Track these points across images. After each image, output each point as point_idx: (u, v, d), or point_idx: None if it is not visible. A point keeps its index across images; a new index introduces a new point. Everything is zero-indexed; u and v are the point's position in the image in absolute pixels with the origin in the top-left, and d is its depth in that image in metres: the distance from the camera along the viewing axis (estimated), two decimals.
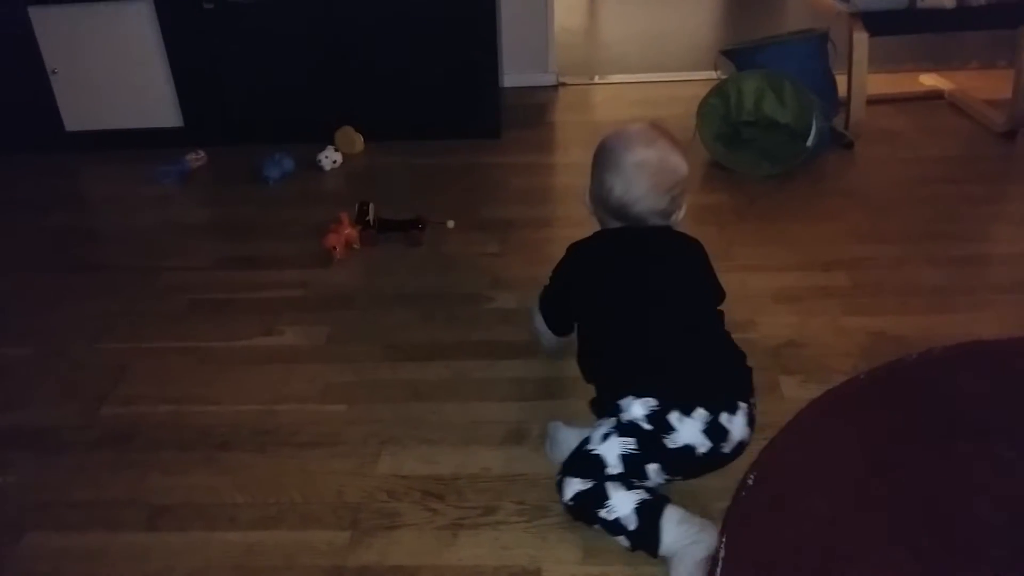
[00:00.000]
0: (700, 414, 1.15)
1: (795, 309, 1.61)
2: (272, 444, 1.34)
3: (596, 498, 1.12)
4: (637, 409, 1.16)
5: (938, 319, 1.55)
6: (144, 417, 1.42)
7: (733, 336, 1.41)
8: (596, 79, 2.92)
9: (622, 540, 1.11)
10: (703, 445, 1.15)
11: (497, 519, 1.18)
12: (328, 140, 2.38)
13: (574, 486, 1.13)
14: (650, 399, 1.15)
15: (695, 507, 1.17)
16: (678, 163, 1.31)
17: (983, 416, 1.30)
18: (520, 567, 1.10)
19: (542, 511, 1.18)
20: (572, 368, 1.46)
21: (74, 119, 2.50)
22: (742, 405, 1.18)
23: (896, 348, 1.47)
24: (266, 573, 1.11)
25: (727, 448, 1.17)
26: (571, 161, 2.08)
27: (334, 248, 1.85)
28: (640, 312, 1.25)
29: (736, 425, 1.17)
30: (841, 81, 2.31)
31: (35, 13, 2.35)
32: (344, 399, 1.43)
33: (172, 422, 1.40)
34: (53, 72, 2.43)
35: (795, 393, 1.38)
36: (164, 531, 1.19)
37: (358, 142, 2.42)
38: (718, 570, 1.06)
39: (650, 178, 1.29)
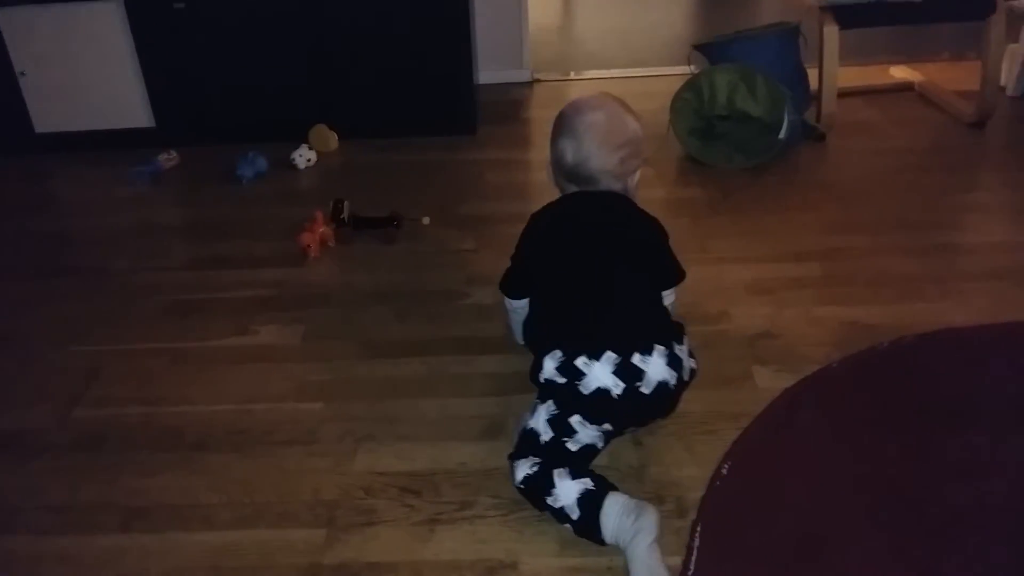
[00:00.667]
0: (608, 357, 1.16)
1: (769, 300, 1.62)
2: (247, 443, 1.33)
3: (543, 484, 1.13)
4: (548, 364, 1.20)
5: (910, 307, 1.57)
6: (117, 419, 1.40)
7: (706, 327, 1.43)
8: (571, 75, 2.93)
9: (568, 528, 1.12)
10: (617, 386, 1.16)
11: (474, 513, 1.18)
12: (302, 139, 2.37)
13: (522, 469, 1.16)
14: (557, 351, 1.19)
15: (670, 497, 1.18)
16: (628, 122, 1.37)
17: (955, 402, 1.32)
18: (497, 561, 1.11)
19: (519, 505, 1.18)
20: None
21: (44, 121, 2.46)
22: (659, 347, 1.18)
23: (869, 337, 1.49)
24: (243, 573, 1.11)
25: (646, 389, 1.17)
26: (546, 157, 2.08)
27: (309, 246, 1.84)
28: (566, 275, 1.28)
29: (653, 365, 1.17)
30: (812, 74, 2.32)
31: (2, 14, 2.32)
32: (320, 397, 1.42)
33: (146, 423, 1.39)
34: (21, 74, 2.39)
35: (769, 383, 1.39)
36: (139, 533, 1.17)
37: (332, 140, 2.40)
38: (693, 559, 1.07)
39: (599, 136, 1.34)
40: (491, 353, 1.51)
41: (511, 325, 1.48)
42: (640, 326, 1.22)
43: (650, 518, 1.08)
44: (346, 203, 1.94)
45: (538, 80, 2.90)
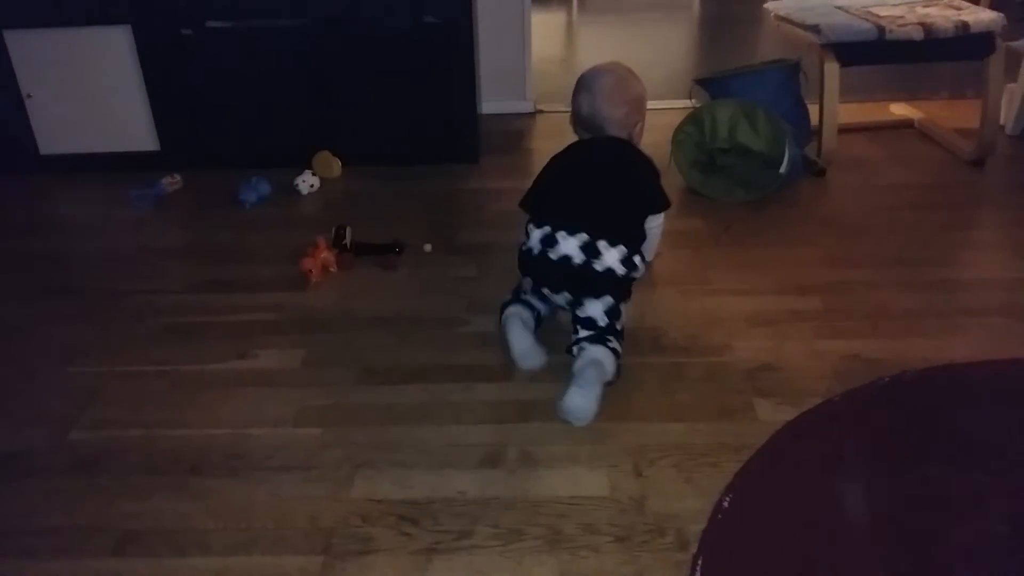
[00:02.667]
0: (545, 228, 1.52)
1: (770, 332, 1.62)
2: (244, 468, 1.32)
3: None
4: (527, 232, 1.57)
5: (910, 342, 1.57)
6: (114, 441, 1.39)
7: (708, 359, 1.44)
8: None
9: None
10: (536, 247, 1.52)
11: (472, 543, 1.16)
12: (306, 164, 2.38)
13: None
14: (532, 223, 1.56)
15: (671, 530, 1.17)
16: (633, 84, 1.71)
17: (957, 439, 1.31)
18: None
19: (517, 535, 1.17)
20: (549, 390, 1.46)
21: (49, 142, 2.48)
22: (582, 234, 1.48)
23: (869, 371, 1.48)
24: None
25: (553, 255, 1.49)
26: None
27: (310, 271, 1.84)
28: (563, 181, 1.61)
29: (567, 242, 1.49)
30: (813, 110, 2.35)
31: (11, 37, 2.34)
32: (318, 423, 1.41)
33: (142, 446, 1.38)
34: (28, 96, 2.41)
35: (770, 416, 1.39)
36: (133, 557, 1.16)
37: (336, 166, 2.42)
38: None
39: (608, 89, 1.67)
40: (491, 381, 1.51)
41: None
42: (582, 220, 1.50)
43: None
44: (348, 229, 1.95)
45: (540, 111, 2.93)
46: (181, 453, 1.36)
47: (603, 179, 1.59)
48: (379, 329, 1.68)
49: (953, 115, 2.63)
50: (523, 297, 1.62)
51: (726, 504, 1.19)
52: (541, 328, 1.61)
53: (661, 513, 1.20)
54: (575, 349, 1.48)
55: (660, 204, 1.65)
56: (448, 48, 2.36)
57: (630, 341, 1.59)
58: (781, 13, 2.41)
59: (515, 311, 1.58)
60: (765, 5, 2.54)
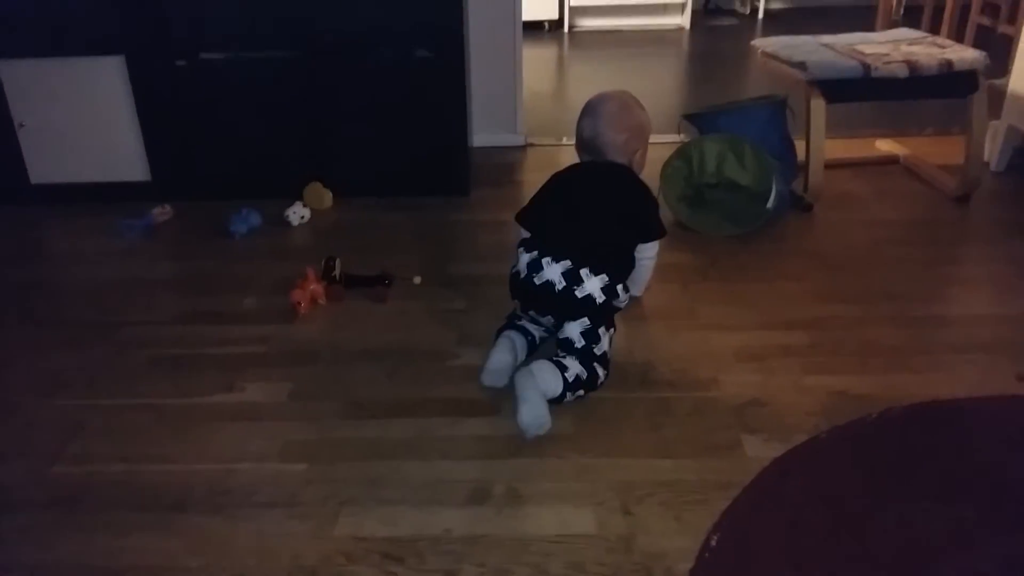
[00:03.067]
0: (533, 253, 1.58)
1: (757, 368, 1.62)
2: (228, 505, 1.30)
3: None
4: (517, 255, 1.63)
5: (897, 378, 1.58)
6: (97, 476, 1.38)
7: (696, 394, 1.45)
8: (564, 140, 2.98)
9: None
10: (523, 271, 1.58)
11: None
12: (297, 196, 2.39)
13: None
14: (522, 248, 1.62)
15: (659, 569, 1.16)
16: (635, 113, 1.78)
17: (943, 475, 1.31)
18: None
19: (504, 574, 1.16)
20: None
21: (40, 172, 2.48)
22: (566, 261, 1.54)
23: (857, 407, 1.49)
24: None
25: (537, 280, 1.56)
26: None
27: (299, 303, 1.84)
28: (556, 203, 1.66)
29: (551, 268, 1.55)
30: (800, 146, 2.37)
31: (4, 67, 2.35)
32: (304, 458, 1.40)
33: (125, 481, 1.37)
34: (21, 126, 2.42)
35: (758, 452, 1.38)
36: None
37: (327, 198, 2.42)
38: None
39: (610, 114, 1.75)
40: (480, 415, 1.50)
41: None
42: (568, 247, 1.55)
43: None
44: (338, 261, 1.95)
45: (531, 144, 2.95)
46: (164, 489, 1.34)
47: (596, 202, 1.65)
48: (367, 362, 1.68)
49: (938, 151, 2.66)
50: (518, 322, 1.66)
51: (714, 543, 1.19)
52: (535, 352, 1.65)
53: (649, 552, 1.19)
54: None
55: (654, 231, 1.70)
56: (440, 81, 2.38)
57: (618, 375, 1.59)
58: (768, 50, 2.44)
59: (508, 333, 1.64)
60: (752, 42, 2.57)
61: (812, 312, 1.81)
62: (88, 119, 2.43)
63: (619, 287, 1.58)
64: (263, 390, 1.59)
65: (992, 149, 2.56)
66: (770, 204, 2.11)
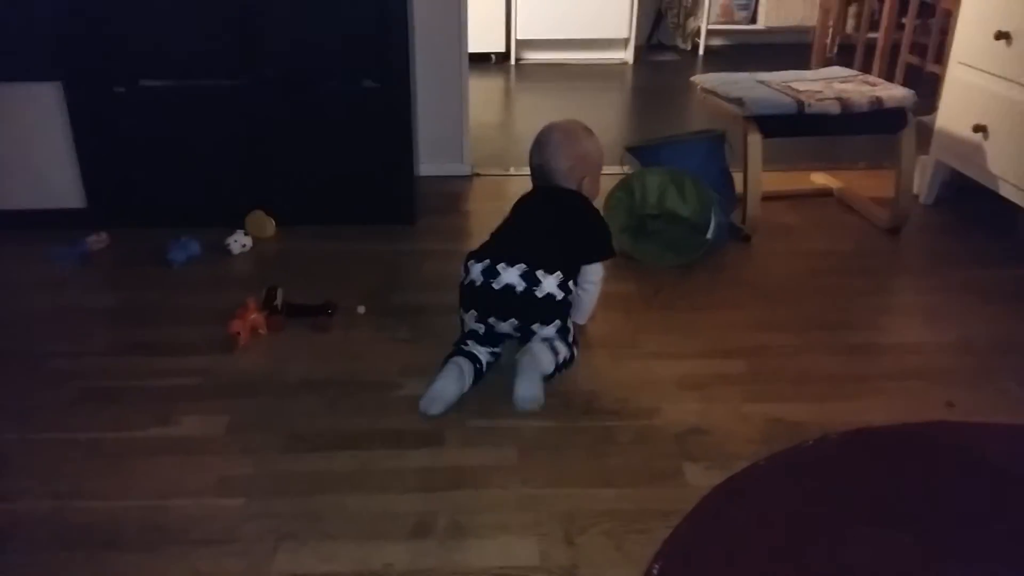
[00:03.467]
0: (485, 261, 1.65)
1: (698, 396, 1.64)
2: (161, 542, 1.26)
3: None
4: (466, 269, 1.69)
5: (832, 406, 1.61)
6: (24, 514, 1.32)
7: (638, 422, 1.51)
8: (511, 170, 3.00)
9: None
10: (479, 279, 1.64)
11: None
12: (238, 224, 2.35)
13: None
14: (472, 259, 1.69)
15: None
16: (582, 142, 1.86)
17: (878, 501, 1.34)
18: None
19: None
20: (481, 456, 1.45)
21: None
22: (520, 264, 1.62)
23: (794, 434, 1.52)
24: None
25: (496, 285, 1.62)
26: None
27: (238, 334, 1.80)
28: (508, 225, 1.78)
29: (508, 272, 1.62)
30: (738, 178, 2.43)
31: None
32: (241, 492, 1.37)
33: (54, 519, 1.31)
34: None
35: (699, 480, 1.40)
36: None
37: (269, 226, 2.39)
38: None
39: (555, 143, 1.83)
40: (423, 446, 1.49)
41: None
42: (521, 253, 1.64)
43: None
44: (279, 290, 1.92)
45: (478, 174, 2.96)
46: (95, 526, 1.30)
47: (546, 218, 1.78)
48: (308, 393, 1.65)
49: (870, 185, 2.75)
50: (465, 347, 1.67)
51: (655, 572, 1.19)
52: (481, 381, 1.65)
53: None
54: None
55: (604, 250, 1.80)
56: (386, 112, 2.38)
57: (563, 404, 1.60)
58: (707, 86, 2.51)
59: (456, 360, 1.64)
60: (692, 79, 2.64)
61: (751, 340, 1.85)
62: (22, 145, 2.36)
63: (570, 283, 1.68)
64: (200, 423, 1.55)
65: (921, 183, 2.66)
66: (710, 235, 2.16)
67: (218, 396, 1.64)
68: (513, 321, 1.64)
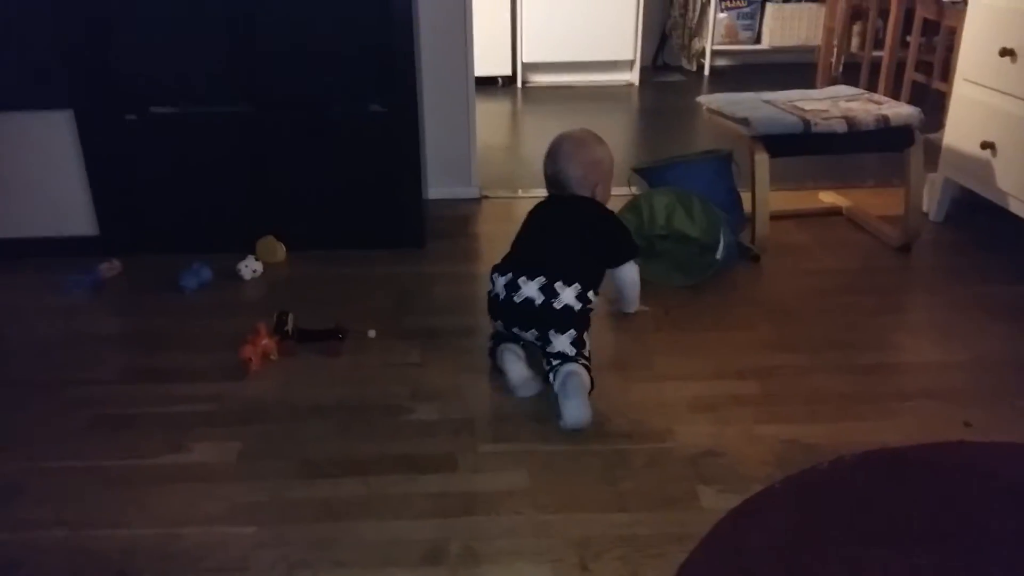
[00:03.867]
0: (508, 275, 1.74)
1: (711, 418, 1.63)
2: (174, 571, 1.26)
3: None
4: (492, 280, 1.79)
5: (846, 426, 1.60)
6: (35, 543, 1.32)
7: (652, 445, 1.52)
8: (519, 193, 3.01)
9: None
10: (502, 292, 1.73)
11: None
12: (249, 250, 2.36)
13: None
14: (496, 272, 1.78)
15: None
16: (594, 150, 1.94)
17: (897, 523, 1.33)
18: None
19: None
20: (494, 481, 1.45)
21: None
22: (540, 278, 1.70)
23: (808, 455, 1.50)
24: None
25: (517, 299, 1.71)
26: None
27: (250, 359, 1.80)
28: (528, 236, 1.85)
29: (528, 286, 1.70)
30: (746, 198, 2.43)
31: None
32: (253, 520, 1.37)
33: (65, 547, 1.31)
34: None
35: (714, 503, 1.39)
36: None
37: (280, 251, 2.41)
38: None
39: (567, 151, 1.91)
40: (435, 472, 1.48)
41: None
42: (540, 265, 1.72)
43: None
44: (290, 315, 1.93)
45: (486, 197, 2.98)
46: (107, 555, 1.29)
47: (564, 225, 1.84)
48: (320, 419, 1.65)
49: (879, 203, 2.75)
50: (504, 337, 1.79)
51: None
52: (533, 357, 1.76)
53: None
54: (550, 375, 1.67)
55: (628, 250, 1.90)
56: (394, 136, 2.40)
57: (573, 430, 1.59)
58: (712, 106, 2.52)
59: (506, 346, 1.76)
60: (698, 99, 2.65)
61: (763, 361, 1.84)
62: (35, 173, 2.39)
63: (590, 293, 1.73)
64: (211, 450, 1.55)
65: (930, 200, 2.65)
66: (719, 255, 2.16)
67: (230, 422, 1.64)
68: (534, 331, 1.72)
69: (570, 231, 1.83)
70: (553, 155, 1.93)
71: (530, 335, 1.73)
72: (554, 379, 1.65)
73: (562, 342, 1.68)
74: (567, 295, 1.69)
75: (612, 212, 1.92)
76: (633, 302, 2.00)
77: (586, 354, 1.70)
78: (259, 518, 1.37)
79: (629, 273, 1.94)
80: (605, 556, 1.28)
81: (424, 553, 1.29)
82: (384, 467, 1.50)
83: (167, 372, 1.83)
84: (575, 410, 1.57)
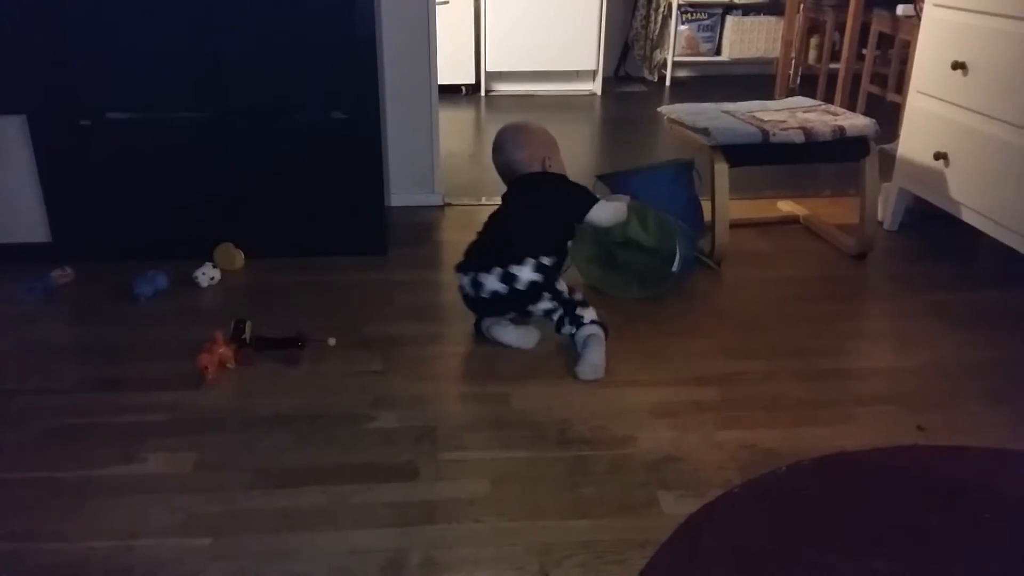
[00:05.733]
0: (470, 274, 1.86)
1: (672, 424, 1.64)
2: None
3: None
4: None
5: (804, 431, 1.62)
6: None
7: (613, 451, 1.53)
8: (483, 200, 3.01)
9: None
10: (470, 290, 1.87)
11: None
12: (207, 257, 2.33)
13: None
14: (459, 271, 1.91)
15: None
16: (532, 127, 2.08)
17: (853, 527, 1.34)
18: None
19: None
20: (455, 489, 1.44)
21: None
22: (496, 269, 1.82)
23: (767, 460, 1.52)
24: None
25: (484, 294, 1.84)
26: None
27: (206, 368, 1.77)
28: (478, 235, 1.97)
29: (488, 280, 1.83)
30: (707, 207, 2.46)
31: None
32: (209, 531, 1.34)
33: (14, 561, 1.27)
34: None
35: (674, 509, 1.39)
36: None
37: (238, 259, 2.37)
38: None
39: (508, 141, 2.05)
40: (396, 480, 1.47)
41: None
42: (491, 257, 1.84)
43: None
44: (248, 323, 1.90)
45: (449, 204, 2.97)
46: (57, 569, 1.26)
47: (513, 208, 1.98)
48: (278, 428, 1.63)
49: (835, 212, 2.80)
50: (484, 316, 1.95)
51: None
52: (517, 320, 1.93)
53: None
54: (566, 331, 1.87)
55: (586, 199, 1.97)
56: (356, 142, 2.38)
57: (536, 433, 1.59)
58: (674, 116, 2.54)
59: (490, 320, 1.91)
60: (659, 109, 2.68)
61: (723, 368, 1.86)
62: None
63: (545, 259, 1.85)
64: (166, 460, 1.52)
65: (885, 209, 2.70)
66: (675, 267, 2.17)
67: (185, 432, 1.61)
68: (512, 313, 1.89)
69: (519, 208, 1.96)
70: (498, 148, 2.04)
71: (506, 319, 1.90)
72: (575, 336, 1.85)
73: (542, 307, 1.86)
74: (525, 273, 1.81)
75: (562, 175, 2.02)
76: (619, 213, 2.05)
77: (571, 297, 1.88)
78: (215, 529, 1.34)
79: (599, 216, 1.98)
80: (566, 563, 1.28)
81: (384, 563, 1.28)
82: (344, 476, 1.48)
83: (121, 381, 1.79)
84: (592, 367, 1.78)
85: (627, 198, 2.14)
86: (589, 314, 1.88)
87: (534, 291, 1.83)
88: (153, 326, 2.04)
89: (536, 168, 2.01)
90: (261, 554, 1.29)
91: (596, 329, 1.85)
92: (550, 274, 1.86)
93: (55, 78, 2.25)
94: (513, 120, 2.14)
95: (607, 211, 2.00)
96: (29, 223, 2.38)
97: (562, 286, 1.90)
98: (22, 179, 2.34)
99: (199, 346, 1.81)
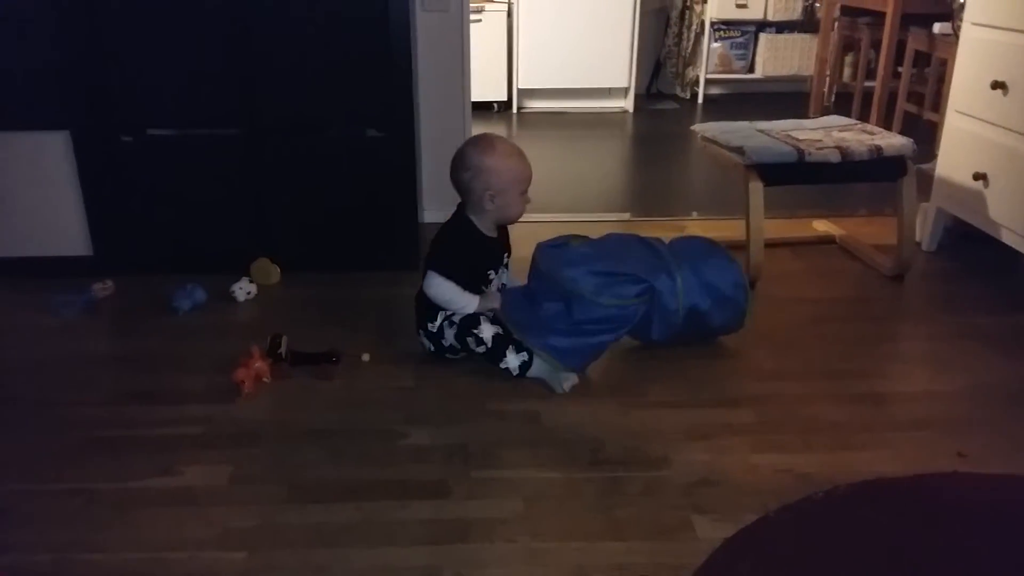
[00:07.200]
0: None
1: (706, 446, 1.63)
2: None
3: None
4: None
5: (840, 456, 1.60)
6: (20, 568, 1.30)
7: (647, 473, 1.52)
8: None
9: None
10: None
11: None
12: (243, 271, 2.36)
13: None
14: None
15: None
16: (488, 153, 1.84)
17: (892, 554, 1.32)
18: None
19: None
20: (488, 508, 1.43)
21: None
22: (420, 331, 1.93)
23: (803, 485, 1.50)
24: None
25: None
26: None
27: (242, 382, 1.79)
28: None
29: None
30: (741, 226, 2.44)
31: None
32: (244, 545, 1.35)
33: (51, 572, 1.29)
34: None
35: (708, 533, 1.38)
36: None
37: (274, 273, 2.40)
38: None
39: (456, 156, 1.89)
40: (428, 498, 1.47)
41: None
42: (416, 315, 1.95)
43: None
44: (284, 338, 1.92)
45: None
46: None
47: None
48: (312, 443, 1.64)
49: (872, 232, 2.77)
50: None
51: None
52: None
53: None
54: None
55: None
56: (390, 160, 2.40)
57: (568, 454, 1.58)
58: (707, 135, 2.53)
59: (534, 365, 1.88)
60: (692, 127, 2.67)
61: (757, 389, 1.84)
62: (29, 193, 2.38)
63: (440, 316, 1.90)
64: (202, 473, 1.54)
65: (923, 230, 2.67)
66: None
67: (221, 446, 1.62)
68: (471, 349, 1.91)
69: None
70: (452, 161, 1.89)
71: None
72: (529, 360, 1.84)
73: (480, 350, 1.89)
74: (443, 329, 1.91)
75: (453, 225, 1.92)
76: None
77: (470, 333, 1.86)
78: (250, 543, 1.35)
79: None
80: None
81: None
82: (377, 492, 1.48)
83: (158, 394, 1.81)
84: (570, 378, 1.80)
85: (517, 286, 2.00)
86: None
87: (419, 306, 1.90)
88: (190, 339, 2.07)
89: (474, 200, 1.88)
90: (295, 568, 1.30)
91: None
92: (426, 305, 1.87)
93: (98, 96, 2.31)
94: (488, 134, 1.96)
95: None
96: (71, 237, 2.43)
97: (485, 332, 1.85)
98: (64, 194, 2.39)
99: (236, 360, 1.83)
